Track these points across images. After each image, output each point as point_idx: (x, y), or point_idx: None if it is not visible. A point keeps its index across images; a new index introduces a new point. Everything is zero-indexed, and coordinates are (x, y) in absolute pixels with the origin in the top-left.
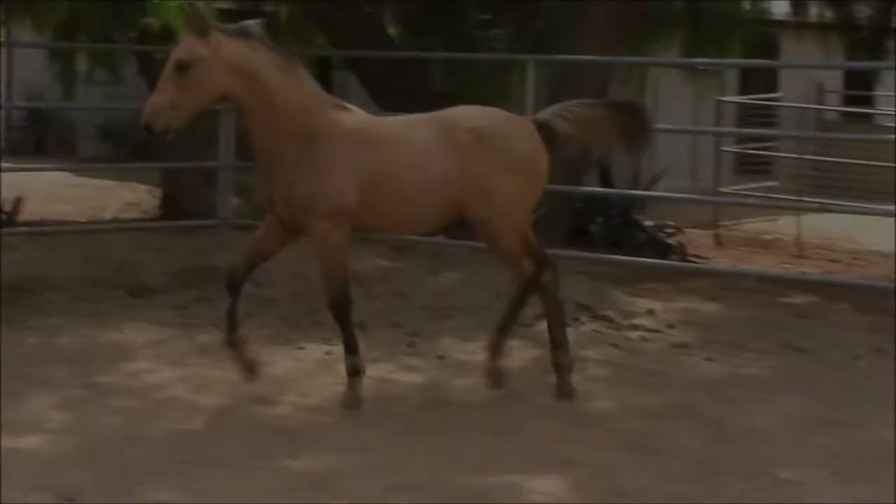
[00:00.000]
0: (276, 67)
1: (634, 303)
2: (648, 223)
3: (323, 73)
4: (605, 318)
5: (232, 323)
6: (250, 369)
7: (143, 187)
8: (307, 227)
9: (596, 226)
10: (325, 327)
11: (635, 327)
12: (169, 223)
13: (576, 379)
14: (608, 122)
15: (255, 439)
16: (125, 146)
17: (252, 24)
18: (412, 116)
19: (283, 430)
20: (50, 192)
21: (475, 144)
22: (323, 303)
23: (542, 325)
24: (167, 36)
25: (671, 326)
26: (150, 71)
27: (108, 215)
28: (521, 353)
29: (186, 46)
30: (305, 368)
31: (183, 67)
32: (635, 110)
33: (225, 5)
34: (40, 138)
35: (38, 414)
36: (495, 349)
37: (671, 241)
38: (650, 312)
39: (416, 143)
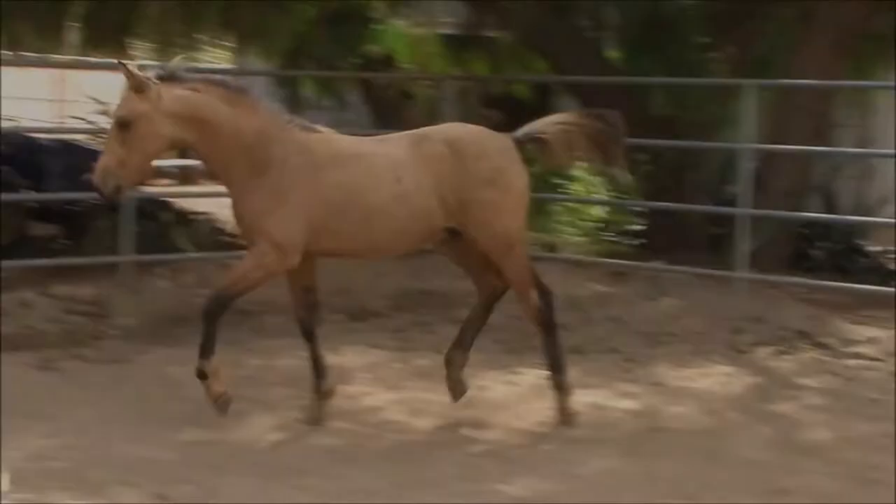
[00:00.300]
0: (222, 103)
1: (855, 330)
2: (872, 249)
3: (542, 99)
4: (824, 346)
5: (207, 342)
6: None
7: None
8: (253, 243)
9: (818, 251)
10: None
11: (856, 355)
12: None
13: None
14: (586, 134)
15: (468, 463)
16: None
17: (178, 66)
18: (385, 136)
19: (496, 454)
20: None
21: (449, 155)
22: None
23: (760, 353)
24: (389, 62)
25: (893, 355)
26: (372, 97)
27: None
28: (739, 381)
29: (125, 104)
30: (520, 393)
31: (124, 125)
32: (610, 119)
33: (447, 31)
34: None
35: (257, 434)
36: (561, 389)
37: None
38: (871, 340)
39: (386, 157)
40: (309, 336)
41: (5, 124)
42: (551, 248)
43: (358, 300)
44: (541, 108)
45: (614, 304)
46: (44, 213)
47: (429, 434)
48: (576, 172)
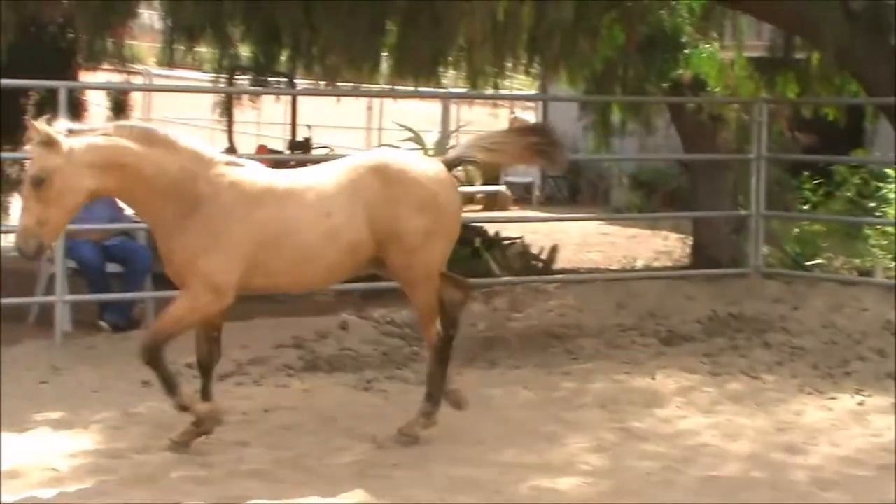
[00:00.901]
0: (139, 145)
1: None
2: None
3: (855, 121)
4: None
5: (167, 381)
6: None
7: (673, 236)
8: (186, 285)
9: None
10: (857, 377)
11: None
12: (699, 272)
13: None
14: (519, 145)
15: (787, 489)
16: (656, 195)
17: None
18: (315, 166)
19: (815, 480)
20: (582, 240)
21: (381, 185)
22: (854, 353)
23: None
24: (698, 86)
25: None
26: (681, 121)
27: (639, 263)
28: None
29: (37, 160)
30: (837, 418)
31: (39, 183)
32: (542, 130)
33: (757, 54)
34: (574, 188)
35: (573, 456)
36: (426, 417)
37: None
38: None
39: (316, 191)
40: (205, 371)
41: (321, 152)
42: (867, 273)
43: (669, 324)
44: (854, 130)
45: None
46: None
47: (745, 459)
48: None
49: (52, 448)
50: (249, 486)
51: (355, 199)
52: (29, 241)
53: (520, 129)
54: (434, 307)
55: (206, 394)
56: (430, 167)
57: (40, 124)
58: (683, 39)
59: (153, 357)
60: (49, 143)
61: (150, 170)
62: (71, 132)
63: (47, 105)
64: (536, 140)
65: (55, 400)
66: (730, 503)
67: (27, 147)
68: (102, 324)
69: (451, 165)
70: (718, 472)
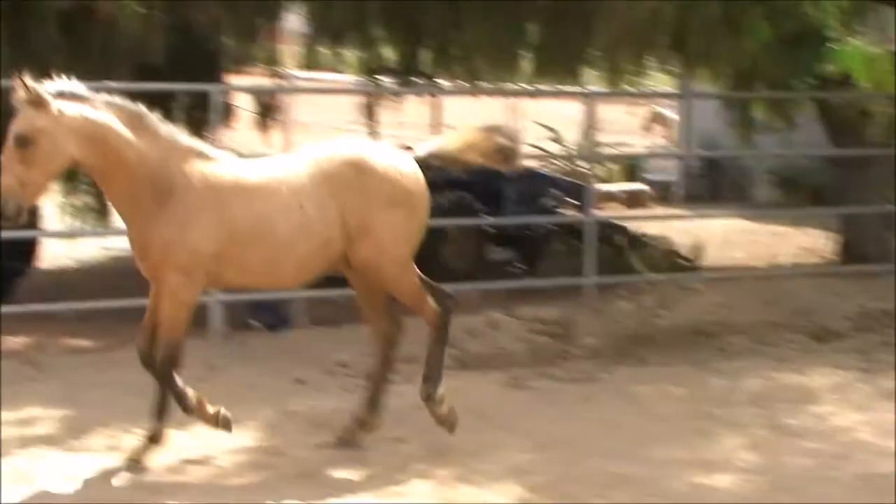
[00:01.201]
0: (125, 125)
1: None
2: None
3: None
4: None
5: (178, 396)
6: (220, 424)
7: (818, 232)
8: (161, 280)
9: None
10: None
11: None
12: (849, 268)
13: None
14: (488, 149)
15: None
16: (800, 192)
17: (78, 85)
18: (288, 156)
19: None
20: (725, 238)
21: (353, 177)
22: None
23: None
24: (846, 82)
25: None
26: (827, 117)
27: (785, 261)
28: None
29: (24, 119)
30: None
31: (24, 142)
32: (507, 133)
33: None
34: (716, 185)
35: (728, 453)
36: (430, 399)
37: None
38: None
39: (289, 183)
40: (150, 368)
41: None
42: None
43: (820, 321)
44: None
45: None
46: (500, 237)
47: None
48: None
49: (213, 444)
50: (407, 481)
51: (327, 192)
52: (8, 202)
53: (491, 129)
54: (417, 291)
55: (168, 394)
56: (402, 160)
57: (30, 82)
58: (830, 34)
59: (168, 375)
60: (38, 102)
61: (131, 155)
62: (61, 95)
63: (196, 108)
64: (504, 142)
65: (213, 397)
66: (888, 502)
67: (15, 104)
68: (254, 323)
69: (423, 162)
70: (875, 470)
